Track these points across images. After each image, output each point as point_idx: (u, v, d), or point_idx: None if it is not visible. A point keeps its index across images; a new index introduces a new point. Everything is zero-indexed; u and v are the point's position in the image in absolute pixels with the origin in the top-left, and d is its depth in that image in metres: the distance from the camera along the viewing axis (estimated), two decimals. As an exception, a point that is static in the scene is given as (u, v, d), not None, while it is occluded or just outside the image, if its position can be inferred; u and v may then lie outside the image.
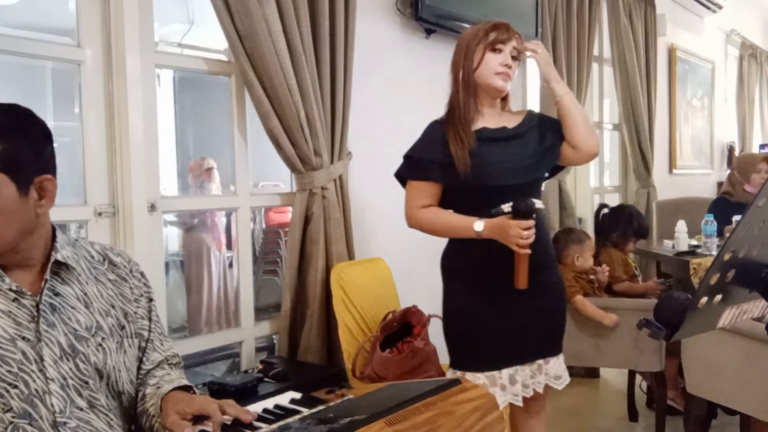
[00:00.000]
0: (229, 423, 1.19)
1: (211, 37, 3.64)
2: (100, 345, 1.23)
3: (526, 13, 3.54)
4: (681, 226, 3.70)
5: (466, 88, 1.96)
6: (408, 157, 2.02)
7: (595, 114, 4.77)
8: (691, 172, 6.12)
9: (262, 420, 1.21)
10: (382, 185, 2.81)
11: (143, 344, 1.35)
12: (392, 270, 2.76)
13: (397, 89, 3.03)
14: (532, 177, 1.97)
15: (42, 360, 1.15)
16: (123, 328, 1.29)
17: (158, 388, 1.30)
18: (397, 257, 2.87)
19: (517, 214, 1.82)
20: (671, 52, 5.71)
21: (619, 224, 3.42)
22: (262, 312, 3.08)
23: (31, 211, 1.17)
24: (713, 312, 1.06)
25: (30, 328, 1.16)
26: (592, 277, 3.06)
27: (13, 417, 1.12)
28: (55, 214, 1.26)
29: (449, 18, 3.10)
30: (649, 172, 4.95)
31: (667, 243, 3.85)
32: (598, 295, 3.05)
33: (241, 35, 2.24)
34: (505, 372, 1.97)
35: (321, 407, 1.27)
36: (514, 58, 1.96)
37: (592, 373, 3.80)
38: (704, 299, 1.02)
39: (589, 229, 4.04)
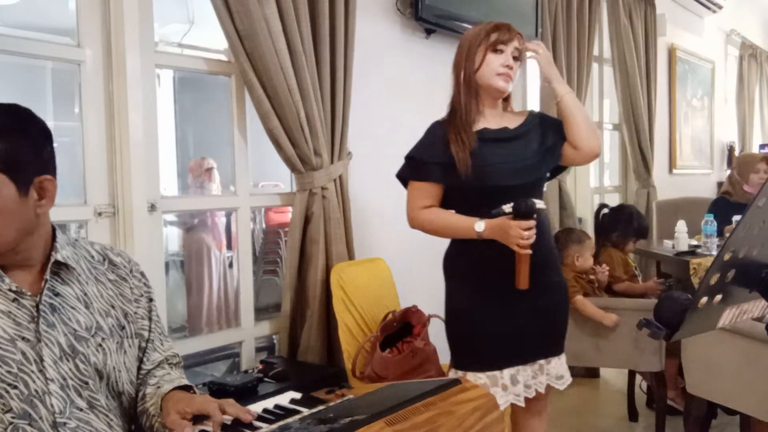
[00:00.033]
0: (229, 423, 1.19)
1: (211, 37, 3.64)
2: (100, 345, 1.23)
3: (526, 13, 3.54)
4: (681, 226, 3.70)
5: (467, 89, 1.97)
6: (409, 158, 2.02)
7: (595, 114, 4.77)
8: (691, 172, 6.12)
9: (262, 420, 1.21)
10: (382, 185, 2.81)
11: (143, 344, 1.35)
12: (392, 270, 2.76)
13: (397, 89, 3.03)
14: (534, 177, 1.97)
15: (42, 360, 1.15)
16: (123, 328, 1.29)
17: (158, 387, 1.30)
18: (397, 257, 2.87)
19: (518, 214, 1.82)
20: (671, 52, 5.72)
21: (619, 224, 3.42)
22: (262, 312, 3.08)
23: (31, 211, 1.16)
24: (713, 312, 1.06)
25: (30, 328, 1.16)
26: (592, 277, 3.07)
27: (12, 417, 1.12)
28: (55, 214, 1.26)
29: (449, 18, 3.10)
30: (649, 172, 4.95)
31: (667, 243, 3.85)
32: (598, 295, 3.05)
33: (241, 35, 2.24)
34: (507, 372, 1.97)
35: (321, 407, 1.27)
36: (515, 58, 1.96)
37: (592, 373, 3.80)
38: (704, 299, 1.02)
39: (589, 229, 4.04)
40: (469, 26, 3.08)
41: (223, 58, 2.61)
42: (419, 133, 2.06)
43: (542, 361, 2.03)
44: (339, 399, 1.32)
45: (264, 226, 4.89)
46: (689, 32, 6.04)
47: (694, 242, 3.71)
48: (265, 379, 2.14)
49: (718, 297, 1.03)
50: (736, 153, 6.87)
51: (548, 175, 2.09)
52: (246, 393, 1.97)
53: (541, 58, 2.00)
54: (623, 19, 4.62)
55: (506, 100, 2.06)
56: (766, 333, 1.29)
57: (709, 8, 6.17)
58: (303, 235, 2.49)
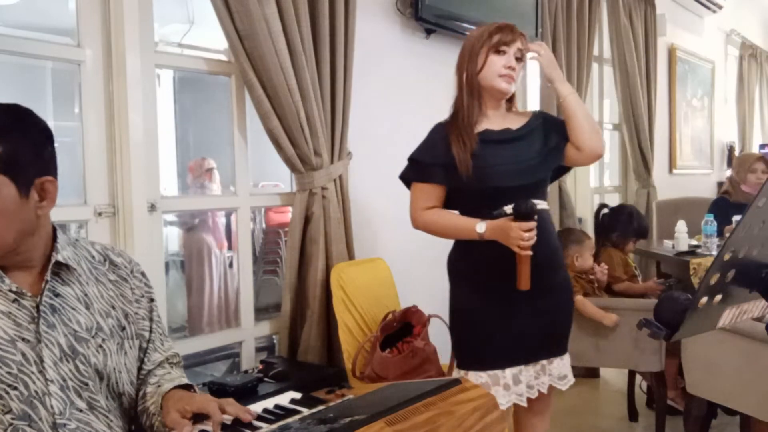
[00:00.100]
0: (228, 422, 1.19)
1: (211, 37, 3.64)
2: (101, 346, 1.23)
3: (526, 13, 3.54)
4: (681, 226, 3.70)
5: (470, 91, 1.97)
6: (412, 160, 2.03)
7: (595, 114, 4.77)
8: (691, 172, 6.12)
9: (262, 420, 1.21)
10: (382, 185, 2.81)
11: (144, 345, 1.35)
12: (392, 270, 2.76)
13: (397, 89, 3.03)
14: (536, 178, 1.97)
15: (42, 361, 1.15)
16: (123, 329, 1.29)
17: (159, 386, 1.31)
18: (397, 257, 2.87)
19: (518, 215, 1.82)
20: (671, 52, 5.72)
21: (619, 224, 3.42)
22: (262, 312, 3.08)
23: (32, 212, 1.16)
24: (713, 312, 1.06)
25: (30, 329, 1.15)
26: (591, 277, 3.06)
27: (12, 418, 1.11)
28: (55, 214, 1.25)
29: (449, 18, 3.10)
30: (649, 172, 4.95)
31: (667, 243, 3.85)
32: (598, 295, 3.05)
33: (241, 35, 2.24)
34: (509, 371, 1.97)
35: (321, 407, 1.27)
36: (518, 59, 1.96)
37: (592, 373, 3.80)
38: (704, 299, 1.02)
39: (589, 229, 4.04)
40: (469, 26, 3.10)
41: (223, 58, 2.61)
42: (419, 133, 2.06)
43: (544, 362, 2.03)
44: (339, 399, 1.32)
45: (264, 226, 4.89)
46: (689, 32, 6.04)
47: (694, 242, 3.71)
48: (265, 379, 2.14)
49: (718, 297, 1.03)
50: (736, 153, 6.87)
51: (552, 175, 2.09)
52: (246, 393, 1.97)
53: (543, 60, 2.00)
54: (623, 19, 4.62)
55: (510, 100, 2.06)
56: (766, 333, 1.29)
57: (709, 8, 6.17)
58: (303, 235, 2.49)
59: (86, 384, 1.20)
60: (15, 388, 1.12)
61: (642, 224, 3.47)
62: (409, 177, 2.05)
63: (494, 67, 1.94)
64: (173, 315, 4.01)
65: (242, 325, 2.56)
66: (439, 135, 1.99)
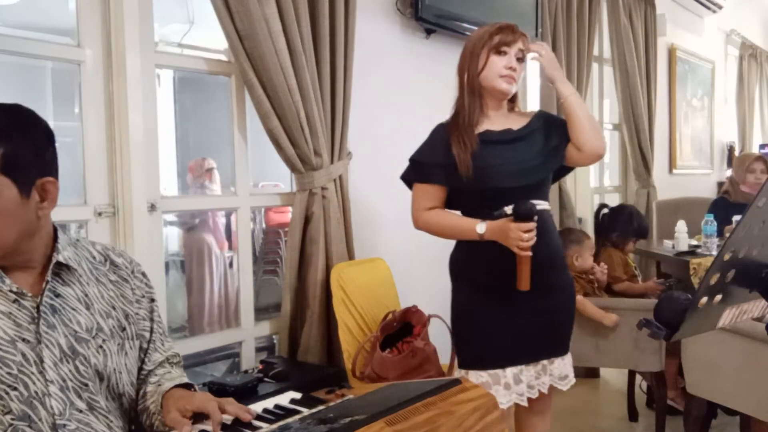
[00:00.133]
0: (228, 422, 1.19)
1: (211, 37, 3.64)
2: (101, 347, 1.23)
3: (526, 13, 3.54)
4: (681, 226, 3.70)
5: (471, 92, 1.97)
6: (413, 160, 2.04)
7: (595, 114, 4.76)
8: (691, 172, 6.12)
9: (262, 420, 1.21)
10: (382, 185, 2.81)
11: (145, 345, 1.34)
12: (392, 270, 2.76)
13: (397, 89, 3.03)
14: (537, 178, 1.96)
15: (42, 362, 1.14)
16: (124, 329, 1.29)
17: (159, 385, 1.31)
18: (397, 257, 2.87)
19: (518, 216, 1.82)
20: (671, 52, 5.72)
21: (619, 224, 3.42)
22: (262, 312, 3.08)
23: (33, 213, 1.16)
24: (713, 312, 1.06)
25: (30, 329, 1.15)
26: (591, 277, 3.07)
27: (12, 419, 1.11)
28: (55, 214, 1.25)
29: (449, 18, 3.10)
30: (649, 172, 4.95)
31: (667, 243, 3.85)
32: (598, 295, 3.05)
33: (241, 35, 2.24)
34: (509, 371, 1.97)
35: (321, 407, 1.27)
36: (519, 59, 1.96)
37: (592, 373, 3.80)
38: (704, 299, 1.02)
39: (589, 229, 4.04)
40: (469, 26, 3.11)
41: (223, 58, 2.61)
42: (419, 133, 2.06)
43: (545, 362, 2.03)
44: (339, 399, 1.32)
45: (264, 226, 4.89)
46: (689, 32, 6.04)
47: (694, 242, 3.71)
48: (265, 379, 2.14)
49: (718, 297, 1.03)
50: (736, 153, 6.87)
51: (553, 175, 2.08)
52: (246, 393, 1.97)
53: (544, 60, 1.99)
54: (623, 19, 4.62)
55: (512, 100, 2.06)
56: (766, 333, 1.29)
57: (709, 8, 6.17)
58: (303, 235, 2.49)
59: (86, 385, 1.19)
60: (15, 389, 1.12)
61: (642, 224, 3.47)
62: (410, 177, 2.06)
63: (495, 68, 1.94)
64: (173, 315, 4.01)
65: (242, 325, 2.56)
66: (440, 136, 1.99)
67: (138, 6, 2.11)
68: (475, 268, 2.01)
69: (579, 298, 2.88)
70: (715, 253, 3.42)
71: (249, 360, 2.57)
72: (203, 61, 2.51)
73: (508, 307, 1.96)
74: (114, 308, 1.28)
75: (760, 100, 7.75)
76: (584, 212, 4.36)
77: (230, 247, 4.27)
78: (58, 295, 1.20)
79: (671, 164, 5.77)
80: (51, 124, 1.22)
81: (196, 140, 4.70)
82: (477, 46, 1.96)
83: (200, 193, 4.14)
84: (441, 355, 2.36)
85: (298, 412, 1.25)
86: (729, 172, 5.96)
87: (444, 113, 2.06)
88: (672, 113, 5.75)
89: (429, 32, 3.13)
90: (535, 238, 1.81)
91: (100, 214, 2.08)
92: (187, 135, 4.65)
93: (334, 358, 2.52)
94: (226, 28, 2.23)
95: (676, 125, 5.79)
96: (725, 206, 3.91)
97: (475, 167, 1.91)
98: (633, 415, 3.25)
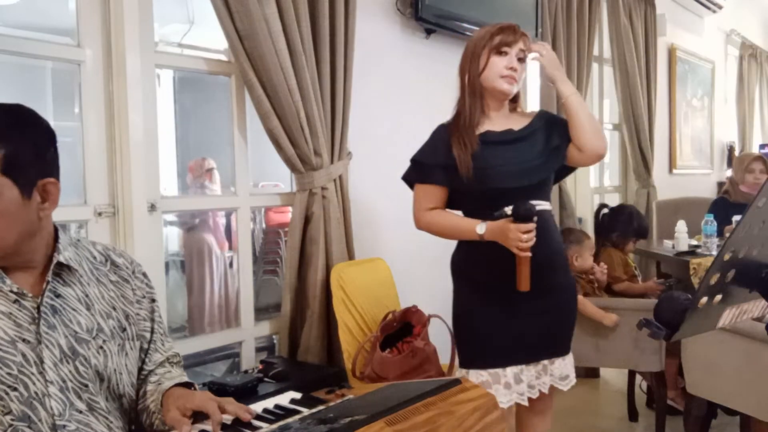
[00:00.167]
0: (228, 422, 1.19)
1: (211, 37, 3.64)
2: (101, 347, 1.23)
3: (526, 13, 3.54)
4: (681, 226, 3.70)
5: (472, 92, 1.97)
6: (414, 161, 2.05)
7: (595, 114, 4.76)
8: (691, 172, 6.12)
9: (262, 420, 1.21)
10: (382, 185, 2.81)
11: (145, 346, 1.34)
12: (392, 270, 2.76)
13: (397, 89, 3.03)
14: (538, 179, 1.96)
15: (42, 362, 1.14)
16: (124, 330, 1.29)
17: (159, 384, 1.31)
18: (397, 257, 2.87)
19: (517, 217, 1.82)
20: (671, 52, 5.72)
21: (619, 224, 3.42)
22: (262, 312, 3.08)
23: (34, 214, 1.16)
24: (713, 312, 1.06)
25: (30, 330, 1.15)
26: (591, 277, 3.07)
27: (12, 420, 1.11)
28: (55, 214, 1.25)
29: (449, 18, 3.10)
30: (649, 172, 4.95)
31: (667, 243, 3.85)
32: (598, 295, 3.05)
33: (241, 35, 2.24)
34: (510, 370, 1.97)
35: (321, 407, 1.27)
36: (520, 60, 1.96)
37: (592, 373, 3.80)
38: (704, 299, 1.02)
39: (589, 229, 4.04)
40: (469, 26, 3.11)
41: (223, 58, 2.61)
42: (419, 133, 2.06)
43: (546, 362, 2.03)
44: (339, 399, 1.32)
45: (264, 226, 4.89)
46: (689, 32, 6.04)
47: (694, 242, 3.71)
48: (265, 379, 2.14)
49: (718, 297, 1.03)
50: (736, 153, 6.87)
51: (554, 175, 2.08)
52: (246, 393, 1.97)
53: (545, 60, 1.99)
54: (623, 19, 4.62)
55: (515, 100, 2.06)
56: (766, 333, 1.29)
57: (709, 8, 6.17)
58: (303, 235, 2.49)
59: (86, 385, 1.19)
60: (15, 389, 1.12)
61: (642, 224, 3.47)
62: (411, 178, 2.07)
63: (496, 68, 1.94)
64: (173, 315, 4.01)
65: (242, 325, 2.56)
66: (441, 136, 1.99)
67: (138, 6, 2.11)
68: (475, 268, 2.01)
69: (579, 298, 2.86)
70: (715, 253, 3.42)
71: (249, 360, 2.57)
72: (203, 61, 2.51)
73: (508, 307, 1.96)
74: (114, 309, 1.28)
75: (760, 100, 7.75)
76: (584, 212, 4.36)
77: (230, 247, 4.27)
78: (58, 296, 1.20)
79: (671, 164, 5.77)
80: (51, 124, 1.22)
81: (196, 140, 4.70)
82: (478, 47, 1.96)
83: (200, 193, 4.14)
84: (441, 355, 2.36)
85: (298, 412, 1.25)
86: (729, 172, 5.96)
87: (444, 113, 2.06)
88: (672, 113, 5.75)
89: (429, 32, 3.13)
90: (534, 239, 1.81)
91: (100, 214, 2.08)
92: (187, 135, 4.65)
93: (334, 358, 2.52)
94: (226, 28, 2.23)
95: (676, 125, 5.79)
96: (725, 206, 3.91)
97: (475, 168, 1.91)
98: (633, 415, 3.25)
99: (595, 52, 4.47)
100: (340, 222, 2.55)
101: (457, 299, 2.07)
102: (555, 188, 3.87)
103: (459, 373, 2.09)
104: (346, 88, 2.58)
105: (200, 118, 4.60)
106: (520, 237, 1.80)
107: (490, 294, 1.98)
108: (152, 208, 2.19)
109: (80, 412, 1.18)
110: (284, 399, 1.33)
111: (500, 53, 1.94)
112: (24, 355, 1.13)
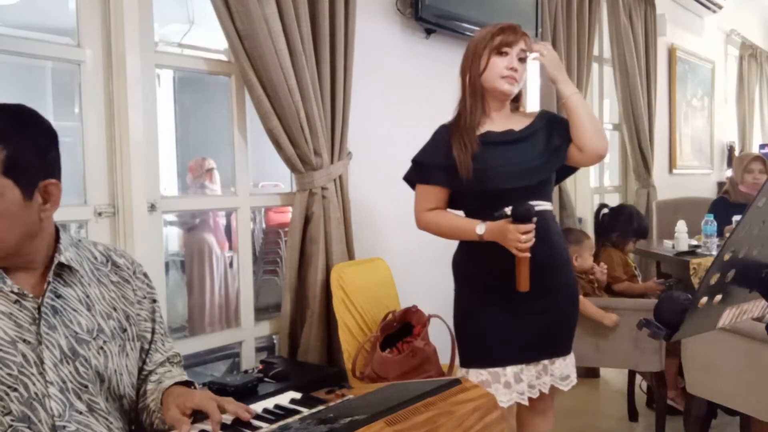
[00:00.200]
0: (229, 423, 1.19)
1: (211, 37, 3.64)
2: (101, 348, 1.22)
3: (526, 13, 3.54)
4: (681, 226, 3.70)
5: (473, 93, 1.97)
6: (415, 162, 2.05)
7: (595, 114, 4.76)
8: (691, 172, 6.12)
9: (262, 420, 1.21)
10: (382, 185, 2.81)
11: (146, 346, 1.34)
12: (392, 270, 2.76)
13: (397, 89, 3.03)
14: (538, 179, 1.96)
15: (42, 363, 1.14)
16: (125, 330, 1.29)
17: (159, 383, 1.31)
18: (397, 257, 2.87)
19: (516, 218, 1.82)
20: (671, 52, 5.72)
21: (619, 224, 3.42)
22: (262, 312, 3.08)
23: (35, 215, 1.15)
24: (713, 312, 1.06)
25: (31, 330, 1.15)
26: (591, 277, 3.07)
27: (12, 420, 1.11)
28: (55, 214, 1.24)
29: (449, 18, 3.10)
30: (649, 172, 4.95)
31: (667, 243, 3.85)
32: (598, 295, 3.05)
33: (241, 35, 2.24)
34: (510, 369, 1.97)
35: (321, 407, 1.27)
36: (521, 60, 1.96)
37: (592, 373, 3.80)
38: (704, 299, 1.02)
39: (589, 229, 4.04)
40: (469, 26, 3.11)
41: (223, 58, 2.61)
42: (419, 133, 2.06)
43: (546, 362, 2.03)
44: (339, 399, 1.32)
45: (264, 226, 4.89)
46: (689, 32, 6.04)
47: (694, 242, 3.71)
48: (265, 379, 2.14)
49: (718, 297, 1.03)
50: (736, 153, 6.87)
51: (556, 175, 2.08)
52: (246, 393, 1.97)
53: (546, 60, 1.98)
54: (623, 19, 4.61)
55: (517, 100, 2.06)
56: (766, 333, 1.29)
57: (709, 8, 6.17)
58: (303, 235, 2.49)
59: (86, 386, 1.19)
60: (15, 390, 1.12)
61: (642, 224, 3.47)
62: (412, 178, 2.08)
63: (496, 69, 1.94)
64: (173, 315, 4.01)
65: (242, 325, 2.56)
66: (442, 137, 2.00)
67: (138, 6, 2.11)
68: (475, 268, 2.01)
69: (579, 298, 2.88)
70: (715, 253, 3.42)
71: (249, 360, 2.57)
72: (203, 61, 2.51)
73: (508, 307, 1.96)
74: (115, 309, 1.28)
75: (760, 100, 7.75)
76: (584, 212, 4.36)
77: (230, 247, 4.27)
78: (59, 296, 1.20)
79: (671, 164, 5.77)
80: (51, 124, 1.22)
81: (196, 140, 4.70)
82: (479, 47, 1.96)
83: (200, 193, 4.14)
84: (441, 355, 2.36)
85: (298, 412, 1.25)
86: (729, 172, 5.96)
87: (444, 113, 2.06)
88: (672, 113, 5.75)
89: (429, 32, 3.13)
90: (533, 240, 1.81)
91: (100, 214, 2.08)
92: (187, 135, 4.65)
93: (334, 358, 2.52)
94: (226, 28, 2.23)
95: (676, 125, 5.79)
96: (725, 206, 3.91)
97: (475, 169, 1.91)
98: (633, 415, 3.25)
99: (595, 52, 4.47)
100: (340, 222, 2.55)
101: (458, 299, 2.07)
102: (555, 188, 3.88)
103: (459, 372, 2.09)
104: (346, 88, 2.58)
105: (200, 118, 4.60)
106: (519, 238, 1.80)
107: (490, 294, 1.98)
108: (152, 208, 2.19)
109: (80, 413, 1.18)
110: (284, 399, 1.33)
111: (501, 54, 1.94)
112: (24, 356, 1.13)
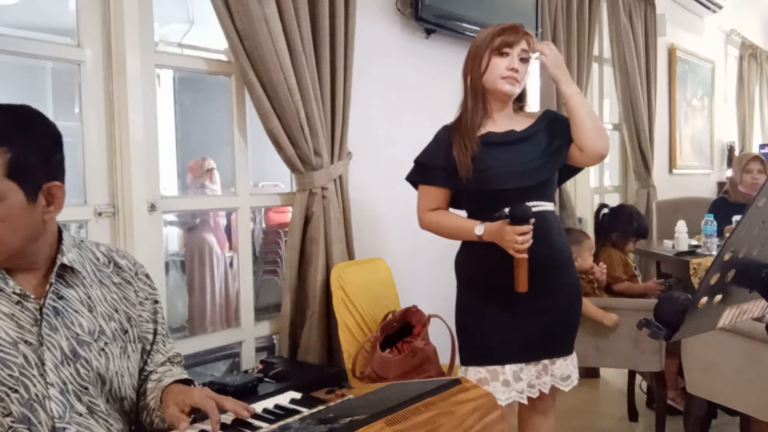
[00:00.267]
0: (229, 423, 1.19)
1: (211, 37, 3.64)
2: (103, 350, 1.22)
3: (526, 13, 3.54)
4: (681, 226, 3.70)
5: (474, 94, 1.98)
6: (417, 162, 2.06)
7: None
8: (691, 172, 6.11)
9: (262, 420, 1.21)
10: (382, 185, 2.81)
11: (147, 347, 1.34)
12: (392, 270, 2.76)
13: (397, 89, 3.03)
14: (538, 180, 1.96)
15: (43, 364, 1.14)
16: (126, 332, 1.28)
17: (159, 381, 1.31)
18: (397, 257, 2.87)
19: (513, 219, 1.82)
20: (671, 52, 5.71)
21: (619, 224, 3.42)
22: (262, 312, 3.08)
23: (38, 217, 1.15)
24: (713, 312, 1.06)
25: (32, 331, 1.15)
26: (591, 276, 3.06)
27: (12, 421, 1.11)
28: (56, 215, 1.25)
29: (449, 18, 3.10)
30: (649, 172, 4.95)
31: (667, 243, 3.85)
32: (598, 295, 3.05)
33: (241, 35, 2.24)
34: (509, 368, 1.97)
35: (321, 407, 1.27)
36: (523, 60, 1.95)
37: (592, 373, 3.80)
38: (704, 299, 1.02)
39: (589, 229, 4.04)
40: (469, 26, 3.11)
41: (223, 58, 2.61)
42: (419, 133, 2.07)
43: (546, 362, 2.03)
44: (339, 399, 1.32)
45: (264, 226, 4.89)
46: (689, 32, 6.04)
47: (694, 242, 3.71)
48: (265, 379, 2.14)
49: (718, 297, 1.03)
50: (736, 153, 6.87)
51: (558, 176, 2.07)
52: (246, 393, 1.97)
53: (548, 60, 1.97)
54: (623, 19, 4.61)
55: (520, 100, 2.06)
56: (766, 333, 1.29)
57: (709, 8, 6.17)
58: (303, 235, 2.49)
59: (86, 388, 1.19)
60: (16, 391, 1.12)
61: (642, 224, 3.47)
62: (414, 179, 2.09)
63: (497, 70, 1.93)
64: (173, 315, 4.01)
65: (242, 325, 2.56)
66: (444, 138, 2.00)
67: (138, 6, 2.11)
68: (477, 268, 2.02)
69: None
70: (715, 253, 3.42)
71: (249, 360, 2.57)
72: (203, 61, 2.51)
73: (508, 306, 1.96)
74: (117, 311, 1.28)
75: (760, 100, 7.75)
76: (584, 212, 4.36)
77: (230, 247, 4.27)
78: (61, 298, 1.20)
79: (671, 164, 5.77)
80: (52, 124, 1.21)
81: (196, 140, 4.70)
82: (480, 48, 1.96)
83: (200, 193, 4.14)
84: (441, 355, 2.37)
85: (298, 412, 1.25)
86: (729, 172, 5.96)
87: (444, 113, 2.06)
88: (672, 113, 5.75)
89: (429, 32, 3.13)
90: (531, 241, 1.81)
91: (100, 214, 2.08)
92: (187, 135, 4.65)
93: (334, 358, 2.52)
94: (226, 28, 2.22)
95: (676, 125, 5.79)
96: (725, 206, 3.91)
97: (475, 170, 1.92)
98: (633, 415, 3.25)
99: (595, 52, 4.47)
100: (340, 222, 2.55)
101: (460, 298, 2.08)
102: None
103: (459, 372, 2.09)
104: (346, 88, 2.58)
105: (200, 118, 4.60)
106: (516, 239, 1.80)
107: (490, 294, 1.98)
108: (152, 208, 2.19)
109: (80, 414, 1.17)
110: (284, 399, 1.33)
111: (501, 54, 1.94)
112: (25, 357, 1.13)
